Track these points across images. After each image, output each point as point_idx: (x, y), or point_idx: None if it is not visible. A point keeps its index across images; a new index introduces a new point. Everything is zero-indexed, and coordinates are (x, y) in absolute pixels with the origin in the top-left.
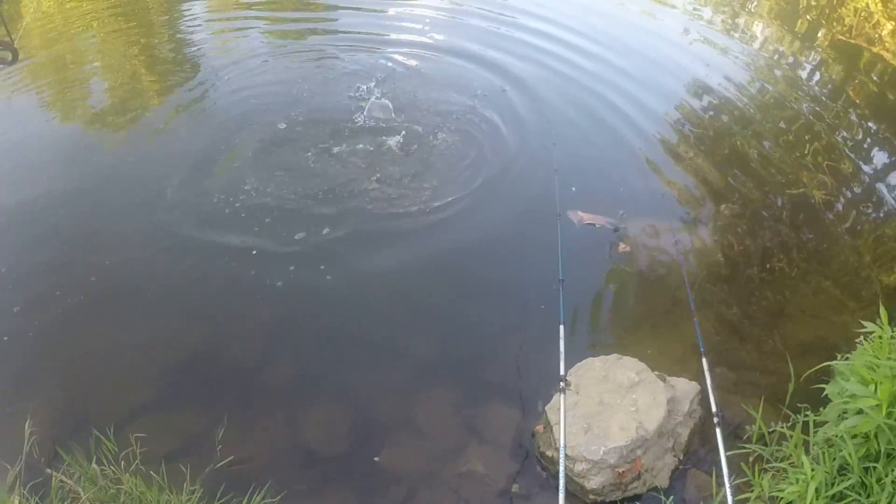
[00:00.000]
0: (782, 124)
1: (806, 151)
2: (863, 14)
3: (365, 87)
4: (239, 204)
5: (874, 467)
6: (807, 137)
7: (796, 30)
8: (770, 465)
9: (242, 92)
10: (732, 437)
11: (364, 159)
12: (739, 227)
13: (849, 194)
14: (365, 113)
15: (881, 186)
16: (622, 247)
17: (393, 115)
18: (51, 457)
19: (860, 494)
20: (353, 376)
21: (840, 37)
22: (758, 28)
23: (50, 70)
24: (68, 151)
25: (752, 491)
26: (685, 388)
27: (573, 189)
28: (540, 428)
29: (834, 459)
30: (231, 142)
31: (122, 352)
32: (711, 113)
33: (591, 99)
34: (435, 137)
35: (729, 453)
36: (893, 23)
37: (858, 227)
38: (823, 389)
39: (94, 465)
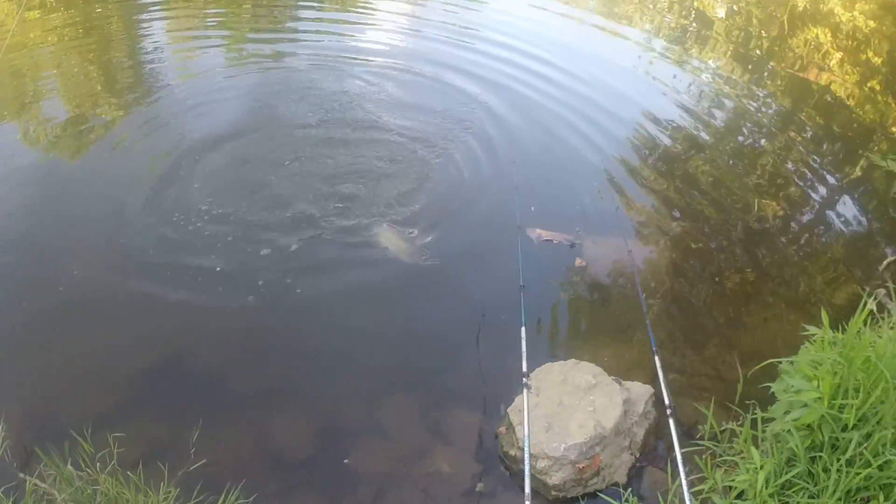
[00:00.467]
0: (734, 151)
1: (756, 176)
2: (812, 45)
3: (329, 104)
4: (202, 220)
5: (819, 456)
6: (758, 163)
7: (748, 60)
8: (722, 459)
9: (201, 108)
10: (686, 437)
11: (326, 176)
12: (691, 243)
13: (797, 217)
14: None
15: (827, 211)
16: (578, 262)
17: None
18: (24, 461)
19: (808, 482)
20: (321, 384)
21: (789, 69)
22: (711, 59)
23: (6, 82)
24: (27, 166)
25: (705, 483)
26: (640, 390)
27: (532, 209)
28: (503, 429)
29: (782, 452)
30: (191, 158)
31: (97, 358)
32: (666, 138)
33: (551, 121)
34: (399, 154)
35: (684, 450)
36: (842, 53)
37: (805, 246)
38: (770, 389)
39: (69, 467)
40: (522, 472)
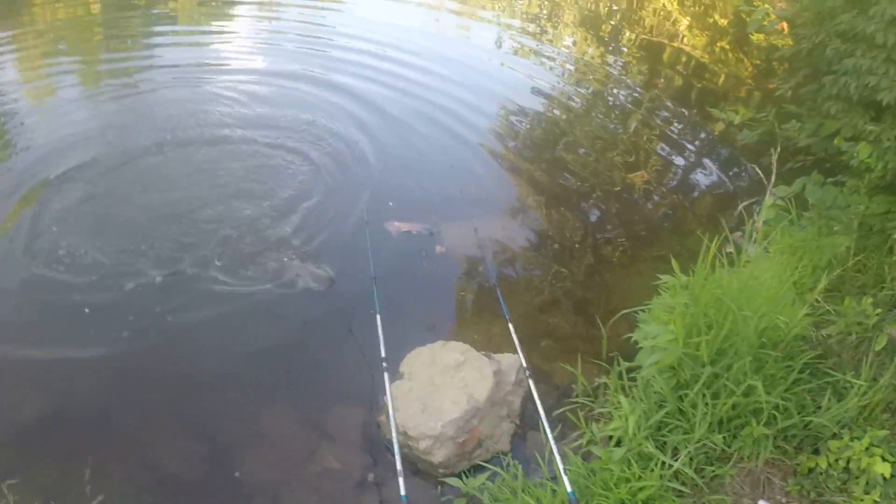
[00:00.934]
0: (596, 127)
1: (620, 150)
2: (661, 14)
3: (184, 124)
4: (64, 262)
5: (686, 394)
6: (620, 137)
7: (601, 38)
8: (600, 412)
9: (54, 144)
10: (564, 397)
11: (184, 199)
12: (553, 219)
13: (661, 182)
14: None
15: (690, 173)
16: (438, 248)
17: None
18: None
19: (680, 420)
20: (202, 405)
21: (642, 39)
22: (564, 40)
23: None
24: None
25: (584, 437)
26: (510, 360)
27: (390, 203)
28: (383, 418)
29: (650, 396)
30: (47, 198)
31: None
32: (528, 122)
33: (411, 116)
34: (253, 168)
35: (559, 410)
36: (689, 18)
37: (667, 207)
38: (632, 339)
39: None
40: (407, 456)
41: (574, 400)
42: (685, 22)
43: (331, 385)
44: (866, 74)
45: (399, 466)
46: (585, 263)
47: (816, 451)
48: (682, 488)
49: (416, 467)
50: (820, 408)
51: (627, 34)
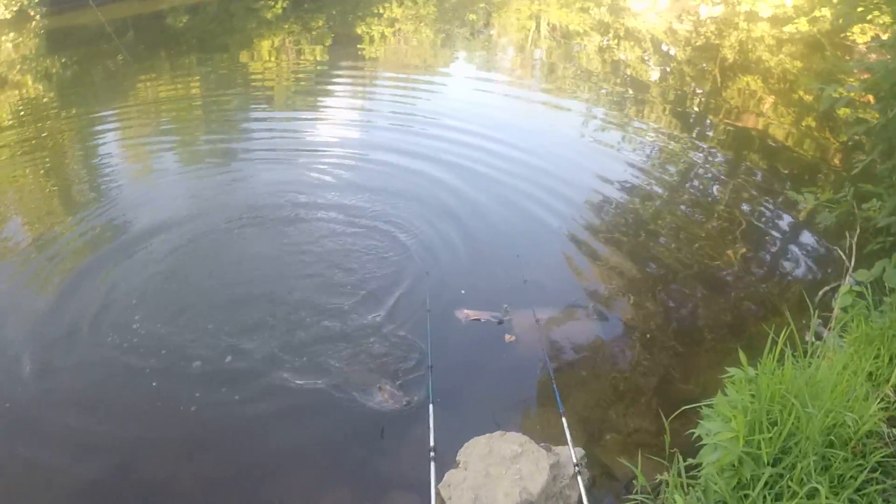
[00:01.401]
0: (679, 213)
1: (700, 236)
2: (746, 93)
3: (277, 199)
4: (135, 331)
5: (748, 495)
6: (703, 221)
7: (687, 116)
8: None
9: (153, 220)
10: (623, 492)
11: (263, 270)
12: (621, 307)
13: (740, 267)
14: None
15: (764, 253)
16: (507, 337)
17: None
18: None
19: None
20: (259, 480)
21: (727, 119)
22: (651, 120)
23: None
24: None
25: None
26: (569, 453)
27: (462, 292)
28: None
29: (710, 496)
30: (125, 260)
31: (44, 461)
32: (609, 208)
33: (498, 197)
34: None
35: None
36: (774, 96)
37: (746, 292)
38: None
39: None
40: None
41: (633, 497)
42: (770, 100)
43: (386, 471)
44: None
45: None
46: (653, 354)
47: None
48: None
49: None
50: None
51: (712, 116)
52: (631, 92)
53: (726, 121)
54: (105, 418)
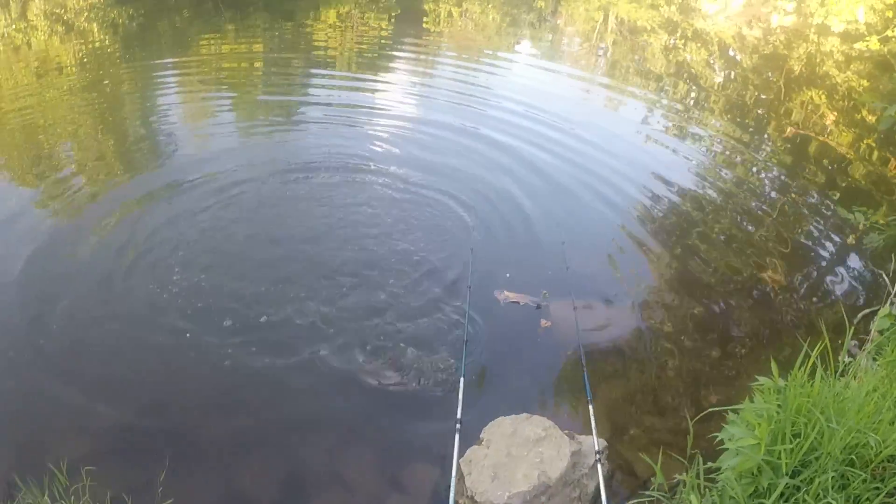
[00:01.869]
0: (729, 218)
1: (748, 244)
2: (809, 107)
3: (331, 158)
4: (187, 292)
5: (762, 503)
6: (752, 230)
7: (747, 124)
8: None
9: (207, 176)
10: (639, 488)
11: (310, 228)
12: (661, 304)
13: (784, 278)
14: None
15: (812, 269)
16: (543, 322)
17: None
18: (6, 492)
19: None
20: (288, 436)
21: (790, 129)
22: (711, 124)
23: (19, 138)
24: (25, 223)
25: None
26: (592, 443)
27: (507, 275)
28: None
29: (726, 501)
30: (174, 210)
31: (77, 403)
32: (667, 204)
33: (551, 184)
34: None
35: (631, 502)
36: (836, 113)
37: (787, 305)
38: (717, 438)
39: (45, 498)
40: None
41: (649, 493)
42: (832, 116)
43: (411, 440)
44: None
45: None
46: (686, 356)
47: None
48: None
49: None
50: None
51: (773, 125)
52: (693, 94)
53: (785, 133)
54: (137, 364)
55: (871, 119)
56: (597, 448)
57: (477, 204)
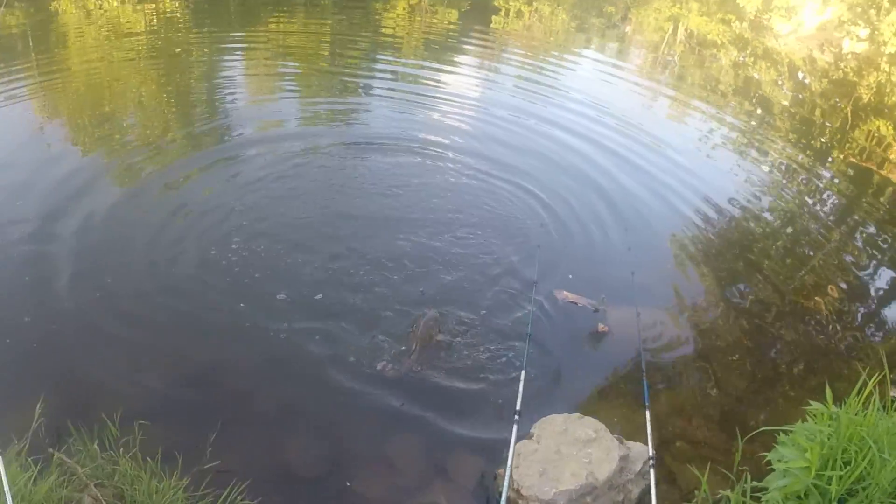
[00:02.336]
0: (789, 239)
1: (805, 268)
2: (874, 137)
3: (395, 136)
4: (246, 262)
5: None
6: (810, 254)
7: (810, 148)
8: None
9: (265, 159)
10: (683, 500)
11: (368, 207)
12: (713, 320)
13: (839, 306)
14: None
15: (873, 302)
16: (601, 327)
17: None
18: (56, 437)
19: None
20: (337, 413)
21: (851, 159)
22: (773, 145)
23: (86, 97)
24: (85, 184)
25: None
26: (640, 450)
27: (570, 276)
28: (501, 471)
29: None
30: (240, 176)
31: (136, 358)
32: (725, 220)
33: (614, 191)
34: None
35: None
36: None
37: (840, 334)
38: (767, 460)
39: (95, 446)
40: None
41: None
42: None
43: (461, 426)
44: None
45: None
46: (740, 375)
47: None
48: None
49: None
50: None
51: (836, 152)
52: (759, 112)
53: (849, 161)
54: (194, 330)
55: None
56: (650, 454)
57: (546, 199)
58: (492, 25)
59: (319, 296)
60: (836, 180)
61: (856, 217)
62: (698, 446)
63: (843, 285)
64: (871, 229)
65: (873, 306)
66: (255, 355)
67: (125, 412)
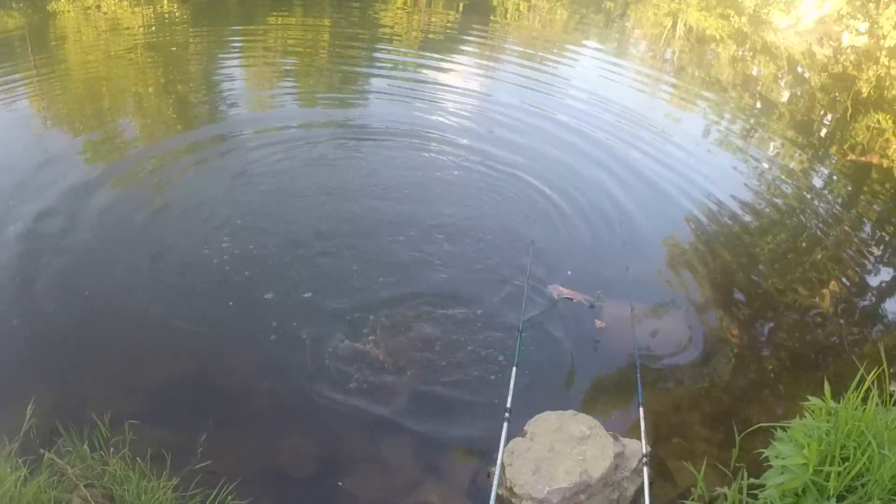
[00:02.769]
0: (789, 235)
1: (804, 263)
2: (874, 130)
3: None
4: (237, 259)
5: None
6: (809, 249)
7: (810, 143)
8: None
9: (260, 155)
10: (679, 497)
11: (360, 200)
12: (710, 316)
13: (838, 303)
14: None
15: (872, 297)
16: (599, 323)
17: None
18: (47, 438)
19: None
20: (327, 412)
21: (851, 154)
22: (773, 140)
23: (85, 95)
24: (76, 182)
25: None
26: (635, 447)
27: (569, 273)
28: (493, 469)
29: None
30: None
31: (127, 360)
32: (723, 216)
33: (611, 187)
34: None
35: None
36: None
37: (838, 330)
38: (765, 456)
39: (85, 447)
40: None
41: (689, 503)
42: None
43: (454, 424)
44: None
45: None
46: (737, 371)
47: None
48: None
49: None
50: None
51: (835, 148)
52: (758, 107)
53: (849, 156)
54: (185, 329)
55: None
56: (644, 452)
57: (541, 193)
58: (490, 21)
59: (309, 294)
60: (835, 175)
61: (855, 212)
62: (694, 443)
63: (843, 280)
64: (871, 224)
65: (872, 301)
66: (246, 355)
67: (115, 413)
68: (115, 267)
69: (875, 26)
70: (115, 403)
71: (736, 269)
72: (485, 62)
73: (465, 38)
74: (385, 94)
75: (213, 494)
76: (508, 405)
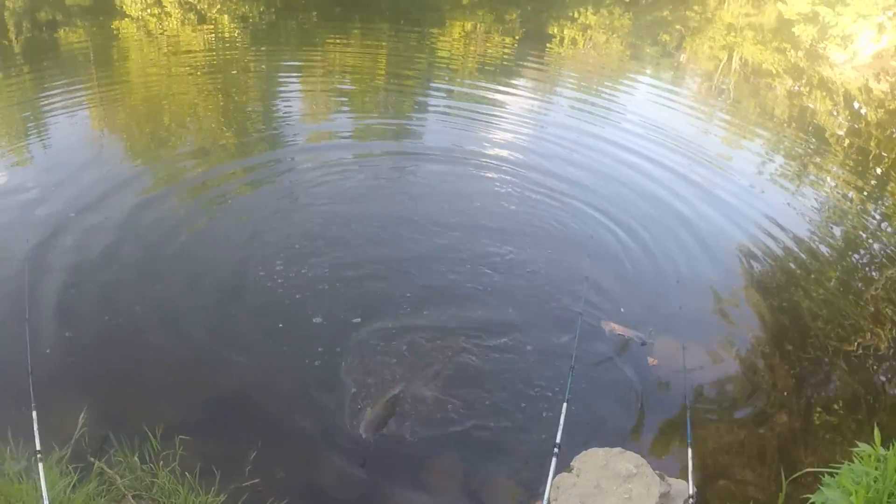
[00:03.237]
0: (842, 275)
1: (859, 304)
2: None
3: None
4: (291, 283)
5: None
6: (864, 290)
7: (865, 180)
8: None
9: (315, 179)
10: None
11: (415, 228)
12: (762, 358)
13: (888, 348)
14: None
15: None
16: (651, 360)
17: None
18: (98, 447)
19: None
20: (374, 438)
21: None
22: (827, 176)
23: (142, 114)
24: (135, 196)
25: None
26: (681, 488)
27: (622, 310)
28: (538, 503)
29: None
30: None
31: (183, 376)
32: (777, 255)
33: (668, 223)
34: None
35: None
36: None
37: (879, 374)
38: (812, 502)
39: (135, 458)
40: None
41: None
42: None
43: (500, 456)
44: None
45: None
46: (786, 413)
47: None
48: None
49: None
50: None
51: (891, 187)
52: (813, 143)
53: None
54: (238, 348)
55: None
56: (690, 493)
57: (596, 225)
58: (546, 51)
59: (358, 319)
60: (891, 214)
61: None
62: (741, 485)
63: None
64: None
65: None
66: (295, 376)
67: (167, 427)
68: (169, 284)
69: None
70: (167, 417)
71: (788, 309)
72: (540, 91)
73: (520, 67)
74: (441, 120)
75: None
76: (558, 440)
